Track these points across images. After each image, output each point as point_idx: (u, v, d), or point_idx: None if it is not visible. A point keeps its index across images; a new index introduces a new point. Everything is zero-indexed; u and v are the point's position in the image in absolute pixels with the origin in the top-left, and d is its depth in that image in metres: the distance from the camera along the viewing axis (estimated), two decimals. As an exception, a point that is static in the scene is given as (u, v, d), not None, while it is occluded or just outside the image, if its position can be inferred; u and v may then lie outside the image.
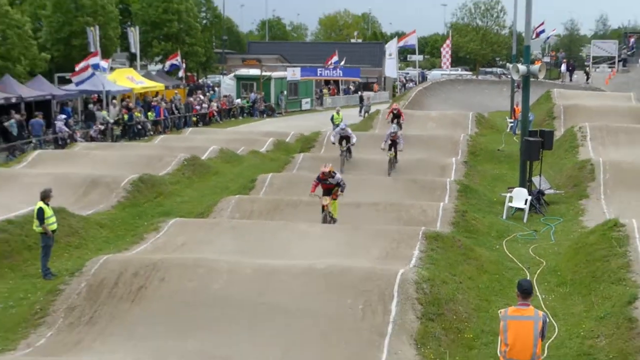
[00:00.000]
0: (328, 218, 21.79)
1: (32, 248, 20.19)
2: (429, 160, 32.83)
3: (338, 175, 22.10)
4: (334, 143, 32.76)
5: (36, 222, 19.10)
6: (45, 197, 19.28)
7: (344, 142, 32.23)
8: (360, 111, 58.54)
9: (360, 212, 23.71)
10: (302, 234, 21.06)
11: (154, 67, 67.87)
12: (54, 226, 19.32)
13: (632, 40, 78.81)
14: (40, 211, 18.91)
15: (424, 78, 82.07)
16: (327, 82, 75.59)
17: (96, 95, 48.38)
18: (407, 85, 77.98)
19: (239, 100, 64.55)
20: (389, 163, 31.12)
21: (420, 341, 14.39)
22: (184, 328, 15.11)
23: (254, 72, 70.46)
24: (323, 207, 21.82)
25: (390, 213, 23.61)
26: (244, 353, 14.01)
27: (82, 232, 22.55)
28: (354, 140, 32.23)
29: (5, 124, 39.21)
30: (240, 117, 61.17)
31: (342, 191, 21.90)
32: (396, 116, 37.27)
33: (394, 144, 31.26)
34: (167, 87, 59.59)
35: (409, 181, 28.43)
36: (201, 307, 15.74)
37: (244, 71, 72.29)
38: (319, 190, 22.20)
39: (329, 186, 21.90)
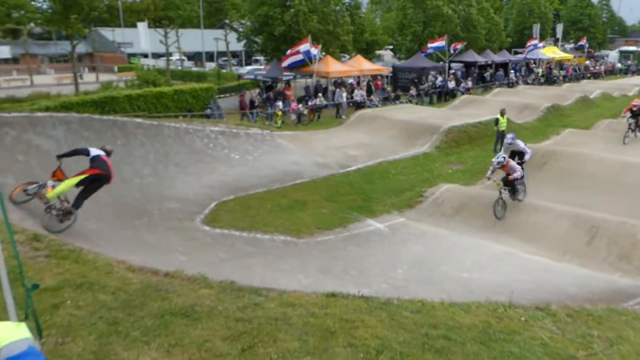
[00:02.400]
0: None
1: (490, 136, 19.40)
2: None
3: None
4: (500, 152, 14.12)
5: (493, 123, 18.47)
6: (502, 113, 18.64)
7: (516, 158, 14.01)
8: None
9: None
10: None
11: (569, 46, 60.55)
12: (504, 127, 18.50)
13: None
14: (497, 119, 18.36)
15: None
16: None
17: (532, 60, 44.30)
18: None
19: (619, 65, 54.27)
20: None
21: None
22: (565, 188, 14.17)
23: (631, 48, 59.41)
24: None
25: None
26: (600, 205, 12.61)
27: (519, 131, 20.54)
28: (527, 157, 13.99)
29: (485, 74, 38.24)
30: (618, 75, 51.38)
31: None
32: (636, 114, 18.35)
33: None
34: (574, 57, 52.09)
35: None
36: (577, 178, 14.63)
37: (624, 48, 61.35)
38: None
39: None
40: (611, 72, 51.46)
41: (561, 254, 10.44)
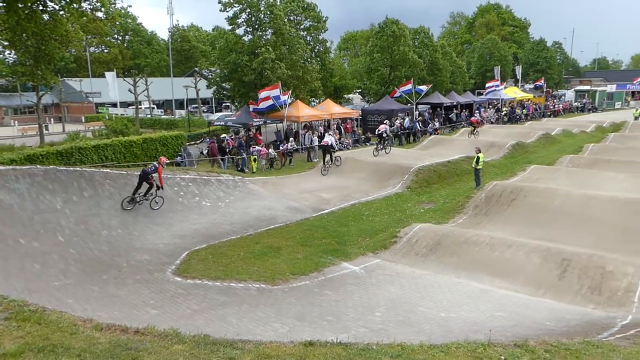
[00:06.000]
0: None
1: (459, 174, 19.99)
2: None
3: None
4: None
5: (474, 163, 18.78)
6: (478, 150, 18.97)
7: None
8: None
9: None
10: (610, 178, 18.47)
11: (528, 86, 63.26)
12: (481, 165, 18.84)
13: None
14: (477, 158, 18.63)
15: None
16: (633, 93, 63.24)
17: (495, 100, 45.90)
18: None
19: (576, 104, 56.81)
20: None
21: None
22: (534, 223, 14.33)
23: (586, 87, 62.73)
24: None
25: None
26: (567, 239, 12.76)
27: (485, 169, 21.14)
28: None
29: (451, 115, 39.03)
30: (575, 112, 53.75)
31: None
32: None
33: None
34: (534, 96, 54.28)
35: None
36: (545, 213, 14.77)
37: (579, 87, 64.51)
38: None
39: None
40: (569, 110, 53.84)
41: (536, 289, 10.45)
